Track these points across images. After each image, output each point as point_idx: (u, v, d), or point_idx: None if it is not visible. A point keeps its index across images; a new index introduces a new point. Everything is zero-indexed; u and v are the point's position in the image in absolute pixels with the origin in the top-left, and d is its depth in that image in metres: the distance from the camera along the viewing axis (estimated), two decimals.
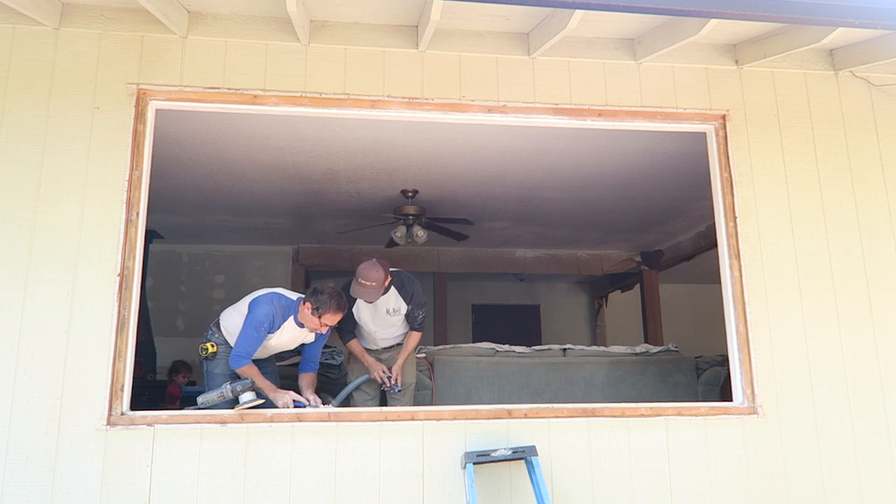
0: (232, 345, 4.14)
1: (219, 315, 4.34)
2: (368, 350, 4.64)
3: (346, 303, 4.13)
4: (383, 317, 4.53)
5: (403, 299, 4.50)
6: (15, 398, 3.27)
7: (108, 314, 3.40)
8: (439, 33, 3.87)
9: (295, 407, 3.80)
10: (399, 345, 4.70)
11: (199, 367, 4.58)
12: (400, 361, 4.61)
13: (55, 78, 3.60)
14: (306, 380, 4.26)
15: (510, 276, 9.75)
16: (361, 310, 4.51)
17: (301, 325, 4.15)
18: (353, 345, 4.61)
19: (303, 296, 4.13)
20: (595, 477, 3.56)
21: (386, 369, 4.53)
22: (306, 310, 4.03)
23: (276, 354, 4.47)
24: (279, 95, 3.77)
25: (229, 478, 3.34)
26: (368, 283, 4.24)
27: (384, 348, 4.69)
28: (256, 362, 4.10)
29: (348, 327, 4.57)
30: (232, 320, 4.20)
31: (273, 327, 4.09)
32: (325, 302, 3.99)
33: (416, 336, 4.66)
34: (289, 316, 4.12)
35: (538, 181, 6.31)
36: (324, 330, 4.13)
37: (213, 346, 4.22)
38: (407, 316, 4.57)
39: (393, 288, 4.46)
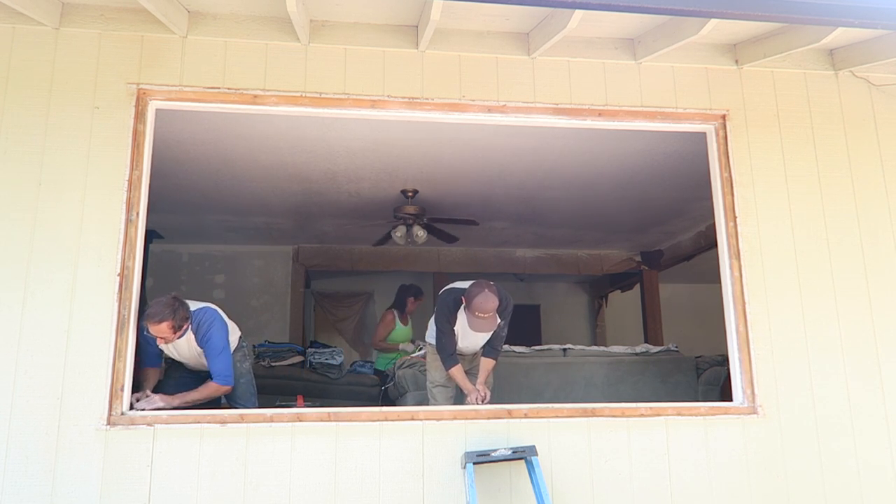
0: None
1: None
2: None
3: (159, 315, 3.76)
4: (475, 334, 4.28)
5: (499, 315, 4.23)
6: (15, 398, 3.27)
7: (108, 314, 3.40)
8: (439, 33, 3.86)
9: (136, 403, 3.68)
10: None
11: None
12: (481, 379, 4.37)
13: (55, 78, 3.60)
14: (202, 388, 4.03)
15: (510, 276, 9.73)
16: (459, 325, 4.28)
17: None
18: (455, 372, 4.28)
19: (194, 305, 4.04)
20: (595, 477, 3.55)
21: (484, 394, 4.24)
22: (464, 302, 4.10)
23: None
24: (279, 95, 3.77)
25: (229, 478, 3.34)
26: (486, 315, 4.02)
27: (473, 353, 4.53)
28: (188, 373, 4.22)
29: (449, 348, 4.27)
30: None
31: (149, 337, 3.92)
32: (146, 314, 3.77)
33: (490, 364, 4.41)
34: (459, 304, 4.16)
35: (538, 181, 6.31)
36: (160, 341, 3.90)
37: None
38: (494, 334, 4.29)
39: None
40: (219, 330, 4.07)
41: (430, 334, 4.56)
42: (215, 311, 4.14)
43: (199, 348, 4.09)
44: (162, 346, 4.01)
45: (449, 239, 7.53)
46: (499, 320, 4.24)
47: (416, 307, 6.96)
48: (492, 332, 4.28)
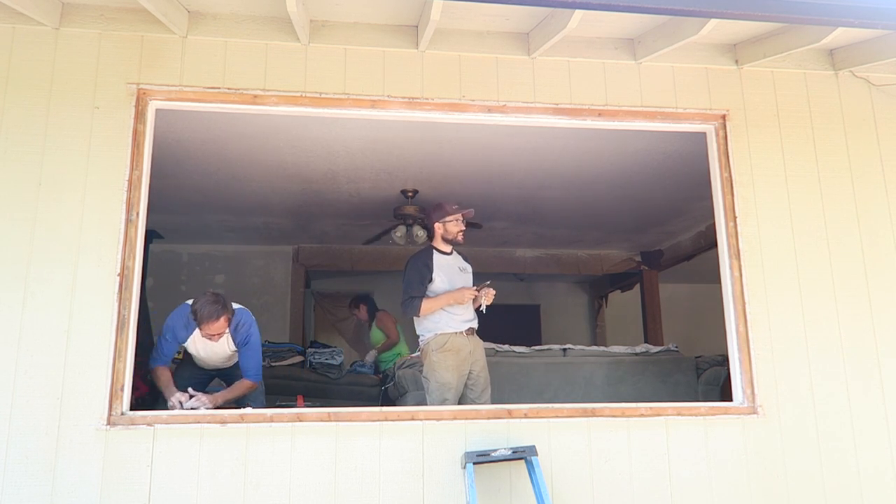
0: (448, 309, 4.31)
1: None
2: (459, 334, 4.35)
3: (218, 310, 3.90)
4: (460, 275, 4.49)
5: (465, 261, 4.62)
6: (15, 398, 3.27)
7: (108, 314, 3.40)
8: (439, 33, 3.86)
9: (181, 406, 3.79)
10: (473, 329, 4.47)
11: None
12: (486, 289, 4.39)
13: (55, 78, 3.60)
14: (236, 386, 4.19)
15: (510, 275, 9.73)
16: (442, 273, 4.42)
17: (441, 253, 4.37)
18: (426, 300, 4.31)
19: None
20: (595, 477, 3.55)
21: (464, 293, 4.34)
22: (438, 229, 4.33)
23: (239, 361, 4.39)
24: (279, 95, 3.77)
25: (229, 478, 3.33)
26: (457, 205, 4.49)
27: (474, 329, 4.45)
28: (200, 372, 4.33)
29: (417, 292, 4.32)
30: None
31: (177, 338, 4.10)
32: (199, 311, 3.90)
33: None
34: (193, 327, 4.08)
35: (538, 181, 6.31)
36: (211, 339, 4.02)
37: (179, 354, 4.34)
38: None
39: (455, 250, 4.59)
40: (257, 329, 4.22)
41: (422, 328, 4.47)
42: (248, 310, 4.26)
43: (232, 346, 4.18)
44: (191, 345, 4.11)
45: (474, 227, 7.42)
46: (467, 264, 4.63)
47: (361, 314, 7.40)
48: (464, 275, 4.55)
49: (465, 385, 4.42)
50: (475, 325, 4.49)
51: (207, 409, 3.74)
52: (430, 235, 4.62)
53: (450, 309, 4.37)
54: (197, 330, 4.07)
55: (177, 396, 3.84)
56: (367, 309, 7.33)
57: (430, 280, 4.39)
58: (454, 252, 4.61)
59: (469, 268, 4.64)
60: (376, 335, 7.18)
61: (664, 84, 4.08)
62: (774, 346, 3.81)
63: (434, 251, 4.52)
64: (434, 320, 4.38)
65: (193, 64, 3.72)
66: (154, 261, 8.15)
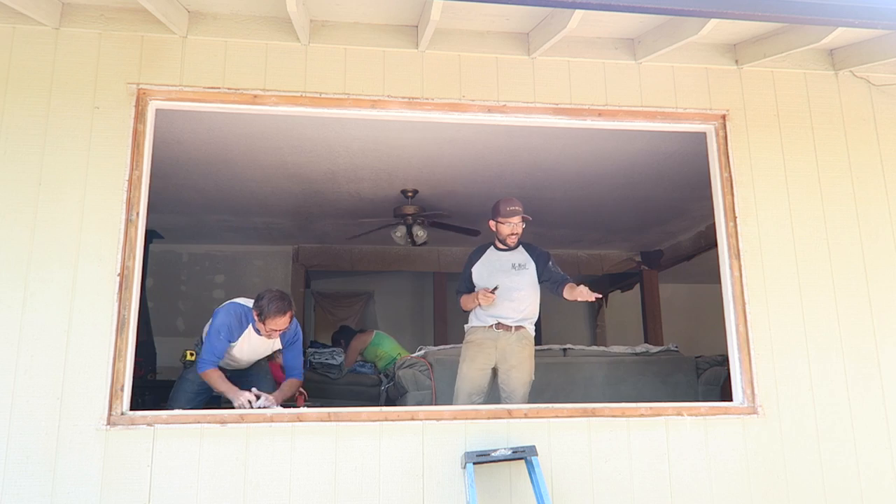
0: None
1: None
2: (486, 329, 4.39)
3: (287, 305, 3.99)
4: (509, 273, 4.44)
5: (529, 255, 4.50)
6: (15, 398, 3.27)
7: (108, 314, 3.40)
8: (439, 33, 3.86)
9: (250, 405, 3.82)
10: (523, 328, 4.44)
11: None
12: (573, 286, 4.32)
13: (55, 78, 3.60)
14: (286, 386, 4.26)
15: None
16: (482, 269, 4.48)
17: (500, 250, 4.44)
18: (465, 296, 4.51)
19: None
20: (595, 477, 3.55)
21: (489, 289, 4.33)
22: (255, 317, 4.04)
23: (264, 359, 4.48)
24: (279, 95, 3.77)
25: (229, 478, 3.33)
26: (517, 207, 4.38)
27: (506, 327, 4.39)
28: (248, 370, 4.31)
29: (462, 288, 4.56)
30: (207, 330, 4.25)
31: (232, 336, 4.11)
32: (265, 307, 3.95)
33: (572, 285, 4.35)
34: (247, 324, 4.12)
35: (538, 181, 6.31)
36: (271, 336, 4.07)
37: (191, 354, 4.34)
38: (544, 276, 4.45)
39: (520, 245, 4.54)
40: (300, 328, 4.32)
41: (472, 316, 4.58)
42: None
43: (278, 345, 4.26)
44: (239, 342, 4.15)
45: (470, 233, 7.43)
46: (528, 258, 4.49)
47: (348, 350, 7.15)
48: (517, 273, 4.45)
49: (497, 384, 4.43)
50: (508, 321, 4.39)
51: (272, 407, 3.81)
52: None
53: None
54: (250, 327, 4.11)
55: (245, 396, 3.85)
56: (345, 344, 7.20)
57: (470, 275, 4.54)
58: (520, 247, 4.53)
59: (532, 265, 4.46)
60: (370, 355, 7.09)
61: (664, 84, 4.08)
62: (774, 346, 3.80)
63: (492, 245, 4.58)
64: (470, 313, 4.58)
65: (193, 64, 3.72)
66: (154, 261, 8.15)
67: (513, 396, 4.34)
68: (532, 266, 4.48)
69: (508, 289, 4.40)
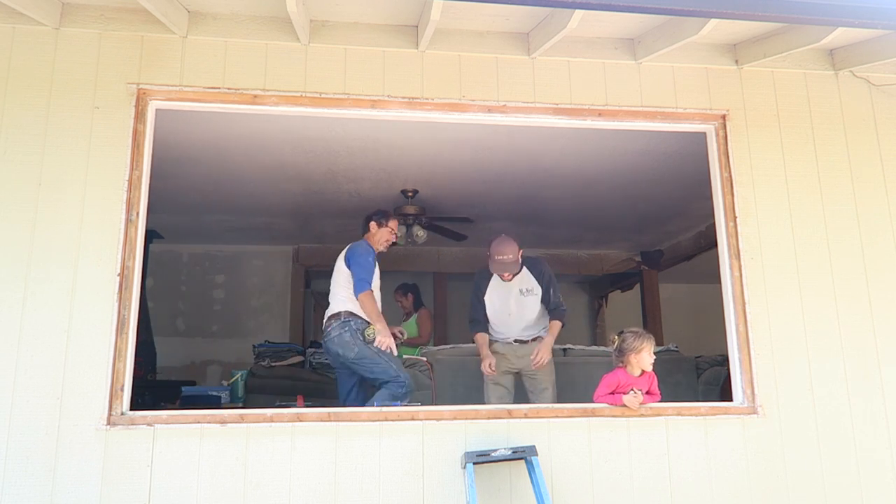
0: (492, 326, 4.65)
1: (333, 312, 4.59)
2: (506, 343, 4.66)
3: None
4: (518, 298, 4.59)
5: (535, 278, 4.61)
6: (15, 398, 3.27)
7: (108, 314, 3.40)
8: (439, 33, 3.86)
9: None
10: (539, 338, 4.65)
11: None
12: (546, 341, 4.58)
13: (55, 78, 3.60)
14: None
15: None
16: (494, 296, 4.61)
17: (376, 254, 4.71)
18: (479, 337, 4.67)
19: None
20: (595, 477, 3.55)
21: (493, 363, 4.54)
22: (374, 228, 4.67)
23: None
24: (279, 95, 3.77)
25: (229, 478, 3.33)
26: (506, 257, 4.44)
27: (523, 341, 4.64)
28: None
29: (477, 316, 4.67)
30: (349, 294, 4.52)
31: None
32: (384, 212, 4.70)
33: (557, 325, 4.65)
34: (372, 252, 4.65)
35: (538, 181, 6.31)
36: (392, 238, 4.70)
37: (371, 330, 4.49)
38: (544, 299, 4.63)
39: (524, 267, 4.61)
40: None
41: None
42: None
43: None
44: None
45: (457, 237, 7.49)
46: (534, 282, 4.62)
47: (406, 302, 7.17)
48: (526, 298, 4.62)
49: (524, 386, 4.68)
50: (524, 337, 4.67)
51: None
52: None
53: (494, 326, 4.68)
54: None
55: (389, 336, 4.35)
56: (413, 299, 7.19)
57: (484, 303, 4.66)
58: (524, 269, 4.63)
59: (538, 288, 4.63)
60: (411, 328, 7.09)
61: (664, 84, 4.08)
62: (774, 346, 3.80)
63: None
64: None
65: (193, 64, 3.72)
66: (154, 261, 8.15)
67: (542, 396, 4.60)
68: (538, 290, 4.65)
69: (520, 316, 4.64)
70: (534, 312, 4.66)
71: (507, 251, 4.43)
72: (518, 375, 4.69)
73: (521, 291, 4.61)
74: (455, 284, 10.51)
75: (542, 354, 4.52)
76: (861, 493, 3.68)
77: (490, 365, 4.52)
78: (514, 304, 4.62)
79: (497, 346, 4.67)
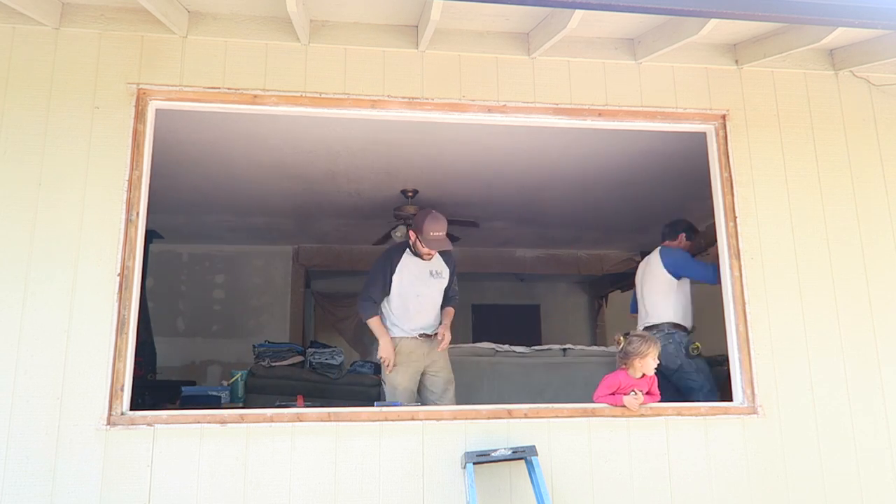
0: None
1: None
2: (411, 339, 4.49)
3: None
4: (428, 280, 4.50)
5: (446, 263, 4.56)
6: (15, 398, 3.27)
7: (108, 314, 3.40)
8: (439, 33, 3.86)
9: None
10: (433, 335, 4.53)
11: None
12: (446, 323, 4.54)
13: (55, 78, 3.60)
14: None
15: (510, 275, 9.72)
16: (405, 274, 4.48)
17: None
18: (374, 322, 4.49)
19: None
20: (595, 477, 3.56)
21: (391, 355, 4.41)
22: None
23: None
24: (279, 95, 3.77)
25: (229, 478, 3.34)
26: (441, 234, 4.37)
27: (428, 335, 4.50)
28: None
29: (375, 296, 4.49)
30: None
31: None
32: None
33: (452, 312, 4.62)
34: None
35: (538, 181, 6.31)
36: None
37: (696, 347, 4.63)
38: (447, 285, 4.57)
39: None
40: None
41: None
42: None
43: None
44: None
45: (451, 239, 7.51)
46: (444, 266, 4.56)
47: None
48: (434, 280, 4.52)
49: (424, 386, 4.52)
50: (429, 331, 4.53)
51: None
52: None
53: (397, 315, 4.49)
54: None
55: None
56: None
57: (391, 282, 4.48)
58: (437, 254, 4.57)
59: (446, 272, 4.59)
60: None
61: (664, 84, 4.08)
62: (774, 345, 3.81)
63: (407, 248, 4.57)
64: (387, 325, 4.53)
65: (193, 64, 3.72)
66: (154, 261, 8.15)
67: (444, 397, 4.47)
68: (447, 273, 4.60)
69: (427, 298, 4.52)
70: (439, 297, 4.55)
71: (442, 228, 4.36)
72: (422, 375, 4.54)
73: (430, 273, 4.51)
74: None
75: (447, 334, 4.44)
76: (861, 493, 3.68)
77: (390, 360, 4.39)
78: (423, 285, 4.47)
79: (403, 346, 4.47)
